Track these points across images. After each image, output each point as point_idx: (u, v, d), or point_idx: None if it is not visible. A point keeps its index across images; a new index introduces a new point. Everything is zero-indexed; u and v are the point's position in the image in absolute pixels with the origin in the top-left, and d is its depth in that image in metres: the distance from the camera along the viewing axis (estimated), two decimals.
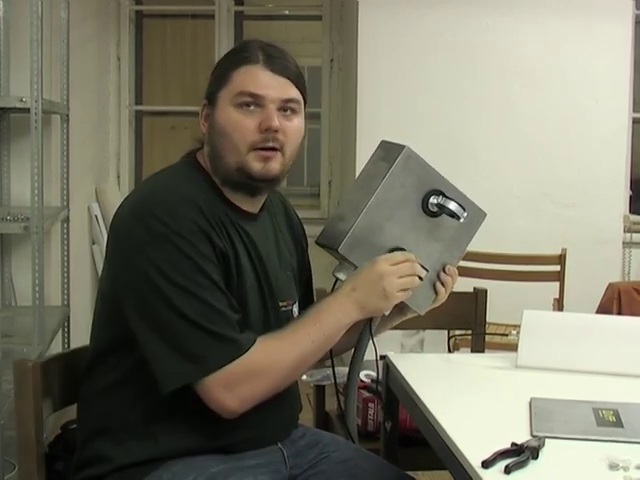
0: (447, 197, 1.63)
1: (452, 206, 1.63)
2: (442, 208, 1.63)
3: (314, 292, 1.92)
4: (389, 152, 1.63)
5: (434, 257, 1.66)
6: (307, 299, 1.86)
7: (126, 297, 1.52)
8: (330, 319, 1.58)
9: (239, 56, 1.61)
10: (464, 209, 1.63)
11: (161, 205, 1.51)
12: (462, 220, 1.64)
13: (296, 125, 1.62)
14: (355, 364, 1.72)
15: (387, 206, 1.60)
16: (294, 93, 1.61)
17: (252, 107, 1.58)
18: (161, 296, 1.47)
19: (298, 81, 1.63)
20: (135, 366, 1.54)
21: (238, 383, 1.49)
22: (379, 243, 1.60)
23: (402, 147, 1.62)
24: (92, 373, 1.61)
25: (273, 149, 1.59)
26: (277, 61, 1.60)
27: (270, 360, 1.53)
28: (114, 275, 1.56)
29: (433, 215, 1.64)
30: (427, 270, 1.65)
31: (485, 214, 1.70)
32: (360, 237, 1.59)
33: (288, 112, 1.61)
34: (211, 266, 1.51)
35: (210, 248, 1.52)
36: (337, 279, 1.66)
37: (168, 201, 1.52)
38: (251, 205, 1.66)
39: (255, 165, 1.58)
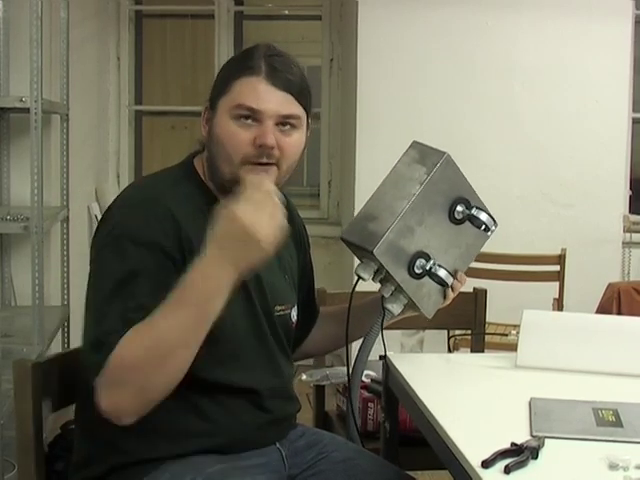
0: (479, 208, 1.64)
1: (483, 217, 1.64)
2: (472, 218, 1.64)
3: (315, 293, 1.92)
4: (426, 156, 1.62)
5: (450, 262, 1.66)
6: (309, 300, 1.86)
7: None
8: (195, 292, 1.40)
9: (242, 64, 1.58)
10: (494, 222, 1.65)
11: (131, 209, 1.52)
12: (490, 232, 1.65)
13: (294, 140, 1.58)
14: (359, 363, 1.71)
15: (421, 211, 1.59)
16: (294, 109, 1.57)
17: (249, 120, 1.55)
18: (90, 292, 1.49)
19: (300, 95, 1.58)
20: None
21: (110, 387, 1.42)
22: (406, 246, 1.59)
23: (442, 153, 1.61)
24: (86, 375, 1.61)
25: (268, 164, 1.56)
26: (280, 74, 1.56)
27: (127, 358, 1.40)
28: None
29: (457, 222, 1.64)
30: (451, 274, 1.64)
31: (497, 224, 1.70)
32: (393, 240, 1.57)
33: (287, 127, 1.57)
34: (143, 279, 1.45)
35: (164, 260, 1.47)
36: (359, 278, 1.64)
37: (140, 206, 1.52)
38: None
39: (249, 178, 1.53)
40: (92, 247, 1.55)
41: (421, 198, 1.58)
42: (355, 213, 1.68)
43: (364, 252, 1.58)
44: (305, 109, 1.60)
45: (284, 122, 1.56)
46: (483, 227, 1.65)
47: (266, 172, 1.56)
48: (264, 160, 1.55)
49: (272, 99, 1.55)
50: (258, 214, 1.40)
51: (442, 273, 1.62)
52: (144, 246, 1.48)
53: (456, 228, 1.64)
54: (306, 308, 1.84)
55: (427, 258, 1.60)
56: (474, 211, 1.64)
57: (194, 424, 1.55)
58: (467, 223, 1.65)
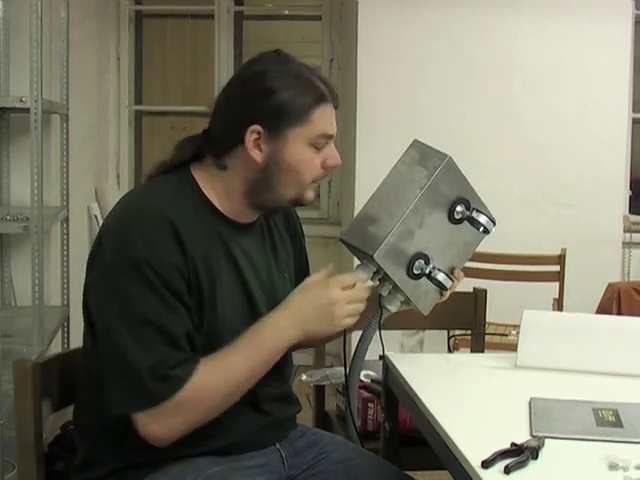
0: (478, 210, 1.64)
1: (482, 219, 1.64)
2: (472, 220, 1.64)
3: None
4: (427, 157, 1.61)
5: (447, 261, 1.66)
6: None
7: (93, 312, 1.52)
8: (268, 343, 1.53)
9: (313, 92, 1.55)
10: (494, 223, 1.65)
11: (136, 230, 1.48)
12: (490, 233, 1.65)
13: None
14: (357, 359, 1.71)
15: (421, 214, 1.58)
16: None
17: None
18: (121, 322, 1.45)
19: None
20: None
21: (171, 416, 1.47)
22: (406, 248, 1.58)
23: (443, 156, 1.60)
24: (85, 376, 1.61)
25: None
26: (335, 95, 1.60)
27: (202, 395, 1.48)
28: (87, 291, 1.55)
29: (456, 222, 1.64)
30: (450, 277, 1.64)
31: (495, 222, 1.70)
32: (393, 244, 1.56)
33: None
34: (176, 300, 1.48)
35: (180, 279, 1.48)
36: None
37: (144, 227, 1.48)
38: (248, 218, 1.64)
39: (309, 195, 1.61)
40: (100, 267, 1.51)
41: (421, 202, 1.58)
42: (355, 213, 1.68)
43: (364, 254, 1.58)
44: None
45: None
46: (482, 229, 1.65)
47: None
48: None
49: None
50: (346, 296, 1.54)
51: (441, 277, 1.62)
52: (163, 268, 1.47)
53: (454, 227, 1.64)
54: None
55: (426, 259, 1.60)
56: (474, 213, 1.64)
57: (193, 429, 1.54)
58: (465, 222, 1.65)
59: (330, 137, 1.59)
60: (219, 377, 1.49)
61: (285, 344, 1.55)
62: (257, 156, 1.55)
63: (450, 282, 1.63)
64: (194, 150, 1.62)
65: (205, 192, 1.59)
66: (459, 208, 1.63)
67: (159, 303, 1.46)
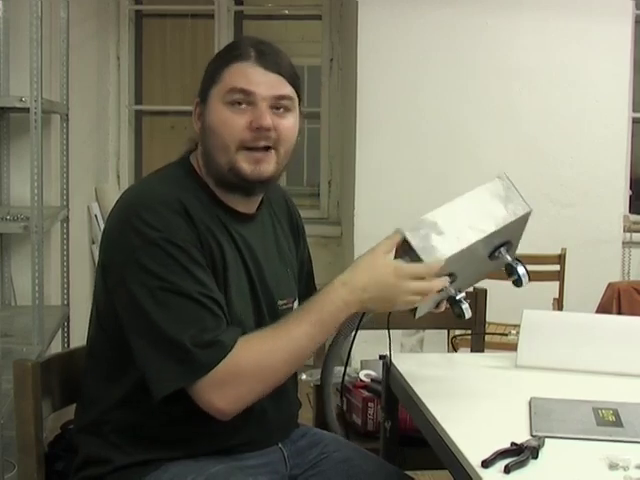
0: (519, 261, 1.64)
1: (521, 271, 1.63)
2: (511, 269, 1.63)
3: (315, 281, 1.91)
4: (511, 199, 1.60)
5: (462, 284, 1.65)
6: (309, 290, 1.86)
7: (120, 302, 1.50)
8: (330, 317, 1.50)
9: (231, 54, 1.58)
10: (529, 277, 1.64)
11: (150, 211, 1.48)
12: (522, 286, 1.65)
13: (290, 123, 1.58)
14: (332, 352, 1.74)
15: (479, 245, 1.58)
16: (287, 90, 1.57)
17: (243, 105, 1.54)
18: (153, 300, 1.45)
19: (291, 78, 1.58)
20: (131, 371, 1.52)
21: (225, 384, 1.46)
22: (450, 267, 1.56)
23: (527, 208, 1.61)
24: (89, 376, 1.61)
25: (266, 148, 1.56)
26: (269, 57, 1.56)
27: (257, 361, 1.48)
28: (110, 286, 1.53)
29: (490, 257, 1.64)
30: (457, 297, 1.63)
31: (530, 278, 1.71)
32: (447, 261, 1.55)
33: (281, 110, 1.57)
34: (202, 271, 1.49)
35: (200, 254, 1.50)
36: None
37: (157, 208, 1.49)
38: (247, 206, 1.64)
39: (245, 166, 1.54)
40: (122, 255, 1.49)
41: (488, 237, 1.58)
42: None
43: (412, 254, 1.56)
44: (297, 92, 1.60)
45: (278, 105, 1.56)
46: (516, 278, 1.64)
47: (265, 157, 1.56)
48: (262, 144, 1.55)
49: (264, 80, 1.55)
50: (413, 288, 1.50)
51: (464, 306, 1.61)
52: (185, 243, 1.48)
53: (486, 259, 1.65)
54: (306, 297, 1.85)
55: (454, 279, 1.60)
56: (515, 262, 1.64)
57: (195, 427, 1.54)
58: (496, 259, 1.65)
59: (244, 92, 1.54)
60: (278, 344, 1.48)
61: (344, 316, 1.52)
62: (197, 127, 1.60)
63: (470, 314, 1.62)
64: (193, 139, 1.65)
65: (204, 178, 1.61)
66: (503, 250, 1.63)
67: (189, 276, 1.46)
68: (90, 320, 1.62)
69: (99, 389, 1.58)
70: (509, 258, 1.63)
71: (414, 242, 1.54)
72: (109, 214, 1.59)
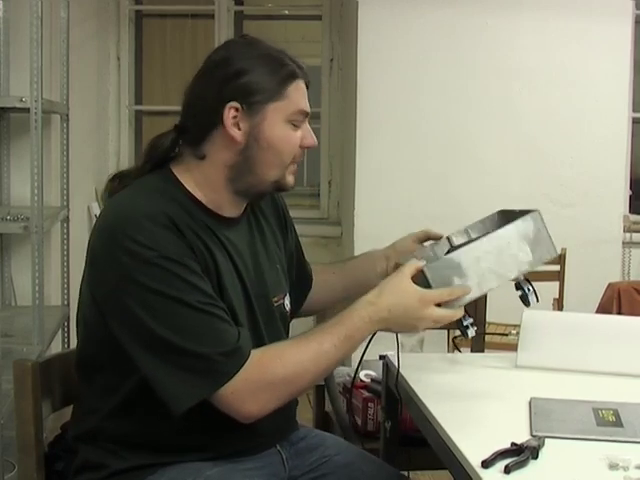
0: (533, 289, 1.67)
1: (532, 299, 1.67)
2: (525, 296, 1.67)
3: (307, 265, 1.92)
4: (539, 243, 1.63)
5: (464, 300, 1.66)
6: (301, 275, 1.87)
7: (117, 321, 1.47)
8: (357, 332, 1.52)
9: (281, 68, 1.55)
10: (537, 300, 1.68)
11: (137, 228, 1.44)
12: (528, 307, 1.68)
13: None
14: None
15: (501, 270, 1.60)
16: None
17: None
18: (161, 319, 1.43)
19: None
20: (127, 376, 1.51)
21: (259, 389, 1.46)
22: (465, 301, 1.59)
23: (555, 252, 1.65)
24: (82, 386, 1.60)
25: None
26: (307, 73, 1.60)
27: (288, 368, 1.48)
28: (99, 300, 1.50)
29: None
30: (464, 322, 1.64)
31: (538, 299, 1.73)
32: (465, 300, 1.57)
33: None
34: (202, 282, 1.47)
35: (196, 264, 1.48)
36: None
37: (143, 223, 1.45)
38: (234, 210, 1.62)
39: (290, 179, 1.61)
40: (117, 279, 1.45)
41: (508, 279, 1.61)
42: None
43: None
44: None
45: None
46: (526, 300, 1.68)
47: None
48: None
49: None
50: (436, 317, 1.53)
51: (470, 333, 1.62)
52: (182, 258, 1.46)
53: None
54: (300, 284, 1.87)
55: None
56: (528, 290, 1.67)
57: (193, 433, 1.53)
58: None
59: (306, 114, 1.59)
60: (308, 353, 1.49)
61: (368, 336, 1.56)
62: (237, 135, 1.54)
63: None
64: (169, 146, 1.62)
65: (188, 187, 1.57)
66: (523, 281, 1.67)
67: (192, 288, 1.45)
68: (77, 331, 1.59)
69: (94, 399, 1.56)
70: (527, 292, 1.67)
71: (432, 281, 1.54)
72: (94, 226, 1.56)
